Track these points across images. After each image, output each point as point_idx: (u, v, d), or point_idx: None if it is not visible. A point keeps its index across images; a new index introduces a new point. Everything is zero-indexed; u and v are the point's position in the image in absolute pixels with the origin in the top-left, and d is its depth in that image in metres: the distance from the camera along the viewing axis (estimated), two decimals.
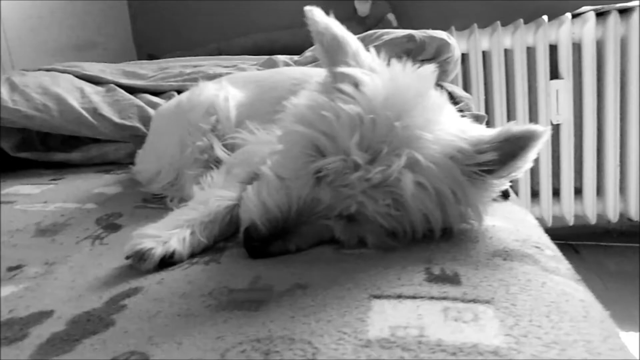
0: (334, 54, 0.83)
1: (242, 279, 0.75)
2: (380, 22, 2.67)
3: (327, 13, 1.13)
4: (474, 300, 0.61)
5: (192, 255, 0.89)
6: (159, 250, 0.85)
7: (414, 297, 0.62)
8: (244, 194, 0.88)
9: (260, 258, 0.83)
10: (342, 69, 0.80)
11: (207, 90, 1.27)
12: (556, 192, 2.71)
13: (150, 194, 1.27)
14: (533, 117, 2.61)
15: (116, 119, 1.58)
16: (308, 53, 1.90)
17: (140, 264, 0.84)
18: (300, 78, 1.22)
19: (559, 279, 0.68)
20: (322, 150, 0.78)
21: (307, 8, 0.86)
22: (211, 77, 1.59)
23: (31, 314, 0.73)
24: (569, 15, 2.49)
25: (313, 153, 0.79)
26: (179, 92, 1.63)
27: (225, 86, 1.28)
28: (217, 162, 1.20)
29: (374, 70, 0.81)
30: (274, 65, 1.80)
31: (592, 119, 2.58)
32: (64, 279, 0.86)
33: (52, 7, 2.46)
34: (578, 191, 2.72)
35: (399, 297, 0.63)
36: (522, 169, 0.78)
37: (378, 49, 0.89)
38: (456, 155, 0.76)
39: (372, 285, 0.67)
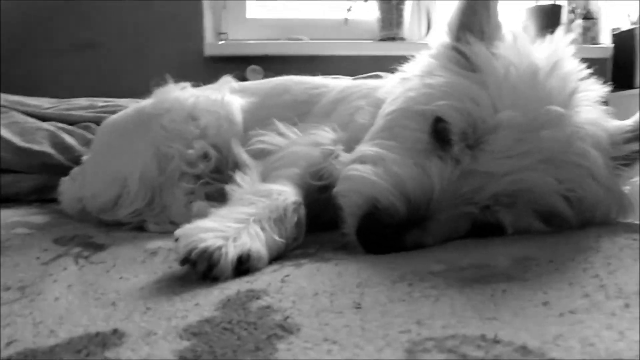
0: (494, 5, 0.71)
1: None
2: None
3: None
4: None
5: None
6: (231, 250, 0.56)
7: None
8: (349, 170, 0.66)
9: (384, 253, 0.59)
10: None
11: (180, 92, 1.00)
12: None
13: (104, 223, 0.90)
14: None
15: (19, 143, 1.15)
16: None
17: (206, 270, 0.54)
18: (317, 84, 1.04)
19: None
20: (468, 111, 0.62)
21: None
22: None
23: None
24: None
25: (454, 116, 0.63)
26: (97, 123, 1.29)
27: (222, 89, 1.02)
28: (217, 172, 0.93)
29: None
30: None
31: None
32: (83, 297, 0.50)
33: None
34: None
35: None
36: None
37: None
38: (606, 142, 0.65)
39: None
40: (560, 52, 0.66)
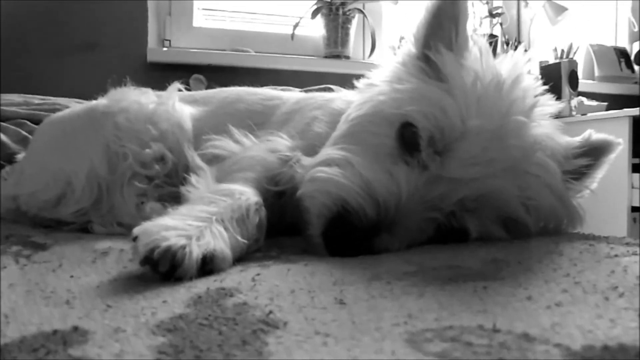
0: (464, 21, 0.72)
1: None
2: None
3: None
4: None
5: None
6: (195, 249, 0.53)
7: None
8: (315, 172, 0.65)
9: (350, 255, 0.58)
10: (474, 35, 0.70)
11: (142, 96, 0.96)
12: None
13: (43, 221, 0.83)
14: None
15: None
16: None
17: (169, 270, 0.51)
18: (272, 95, 1.03)
19: None
20: (436, 117, 0.63)
21: None
22: None
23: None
24: None
25: (422, 122, 0.64)
26: (32, 121, 1.21)
27: (171, 96, 0.98)
28: (169, 177, 0.89)
29: None
30: None
31: None
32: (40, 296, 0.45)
33: None
34: None
35: None
36: (597, 180, 0.77)
37: None
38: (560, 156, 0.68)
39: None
40: (519, 67, 0.69)
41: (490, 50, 0.70)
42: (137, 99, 0.94)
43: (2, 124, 1.19)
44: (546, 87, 0.72)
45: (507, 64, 0.69)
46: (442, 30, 0.71)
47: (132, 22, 2.17)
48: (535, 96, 0.69)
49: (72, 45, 2.03)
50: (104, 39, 2.11)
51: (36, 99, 1.37)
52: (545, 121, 0.70)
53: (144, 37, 2.18)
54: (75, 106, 1.02)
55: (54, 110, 1.25)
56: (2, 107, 1.25)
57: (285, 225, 0.77)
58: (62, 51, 2.02)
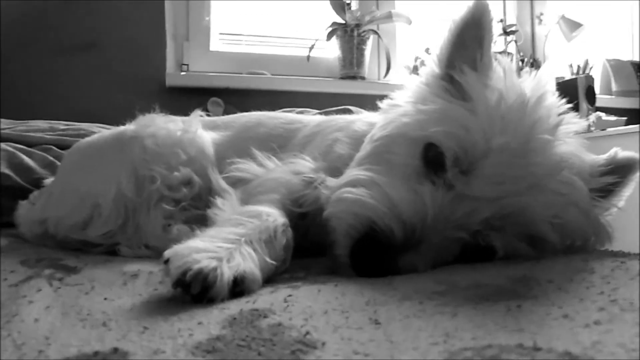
0: (489, 41, 0.73)
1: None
2: None
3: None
4: None
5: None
6: (226, 271, 0.53)
7: None
8: (342, 192, 0.65)
9: (377, 275, 0.58)
10: (497, 55, 0.71)
11: (171, 123, 0.98)
12: None
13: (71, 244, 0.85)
14: None
15: None
16: None
17: (200, 292, 0.51)
18: (292, 119, 1.05)
19: None
20: (459, 137, 0.63)
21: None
22: None
23: None
24: None
25: (447, 143, 0.64)
26: (58, 146, 1.24)
27: (194, 123, 1.00)
28: (194, 200, 0.90)
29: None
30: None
31: None
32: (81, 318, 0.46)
33: None
34: None
35: None
36: (624, 197, 0.76)
37: None
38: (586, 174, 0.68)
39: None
40: (543, 86, 0.69)
41: (514, 69, 0.71)
42: (165, 125, 0.96)
43: (29, 149, 1.22)
44: (570, 105, 0.72)
45: (530, 82, 0.69)
46: (466, 50, 0.72)
47: (151, 47, 2.22)
48: (560, 114, 0.70)
49: (91, 69, 2.08)
50: (123, 64, 2.16)
51: (61, 125, 1.41)
52: (570, 139, 0.69)
53: (162, 62, 2.23)
54: (103, 131, 1.05)
55: (79, 136, 1.28)
56: (29, 133, 1.28)
57: (307, 246, 0.77)
58: (82, 74, 2.07)
